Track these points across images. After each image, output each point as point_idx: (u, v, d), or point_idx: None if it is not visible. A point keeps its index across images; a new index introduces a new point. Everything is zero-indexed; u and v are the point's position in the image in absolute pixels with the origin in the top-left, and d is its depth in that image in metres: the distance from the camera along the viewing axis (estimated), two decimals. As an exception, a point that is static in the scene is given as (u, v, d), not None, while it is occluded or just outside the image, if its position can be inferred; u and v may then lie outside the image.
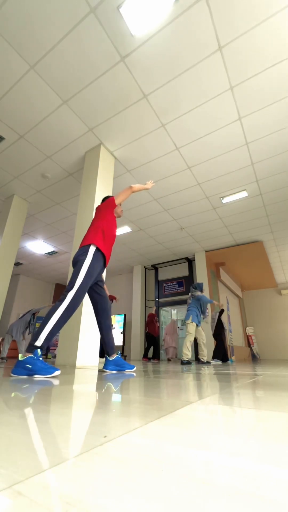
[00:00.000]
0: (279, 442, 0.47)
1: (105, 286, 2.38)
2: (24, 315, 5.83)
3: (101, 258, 2.08)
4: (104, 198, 2.48)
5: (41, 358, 1.67)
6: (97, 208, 2.31)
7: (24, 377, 1.58)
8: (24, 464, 0.36)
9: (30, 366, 1.61)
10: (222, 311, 5.82)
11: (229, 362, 5.69)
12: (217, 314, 5.80)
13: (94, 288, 2.22)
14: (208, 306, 6.99)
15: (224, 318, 6.02)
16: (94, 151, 4.02)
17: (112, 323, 2.38)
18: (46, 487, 0.30)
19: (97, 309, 2.25)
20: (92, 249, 2.02)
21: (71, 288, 1.87)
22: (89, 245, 2.03)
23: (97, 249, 2.05)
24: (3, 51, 2.78)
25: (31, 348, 1.69)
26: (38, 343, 1.68)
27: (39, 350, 1.68)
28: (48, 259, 8.58)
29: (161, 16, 2.47)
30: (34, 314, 5.84)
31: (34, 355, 1.66)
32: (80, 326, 2.93)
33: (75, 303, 1.85)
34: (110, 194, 3.93)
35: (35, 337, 1.71)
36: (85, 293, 1.94)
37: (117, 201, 2.30)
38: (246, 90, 3.14)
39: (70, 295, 1.84)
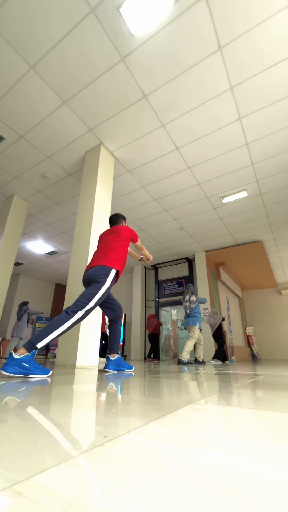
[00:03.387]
0: (279, 442, 0.47)
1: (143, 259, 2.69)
2: (22, 315, 5.93)
3: (115, 279, 2.16)
4: (119, 215, 2.53)
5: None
6: (121, 232, 2.29)
7: (19, 376, 1.56)
8: (24, 464, 0.36)
9: (27, 365, 1.60)
10: (223, 319, 5.92)
11: (229, 362, 5.78)
12: (219, 321, 5.85)
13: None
14: (208, 302, 7.06)
15: (224, 320, 6.10)
16: (94, 151, 4.02)
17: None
18: (46, 487, 0.30)
19: (112, 310, 2.37)
20: (112, 273, 2.08)
21: (85, 305, 1.89)
22: (111, 268, 2.08)
23: (116, 273, 2.13)
24: (3, 51, 2.78)
25: (31, 347, 1.67)
26: (39, 345, 1.68)
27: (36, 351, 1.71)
28: (48, 259, 8.58)
29: (161, 16, 2.47)
30: (29, 313, 6.01)
31: (32, 355, 1.67)
32: (80, 326, 2.93)
33: (84, 318, 1.90)
34: (110, 196, 3.94)
35: (38, 338, 1.69)
36: (93, 310, 2.01)
37: (137, 242, 2.43)
38: (246, 90, 3.14)
39: (82, 312, 1.87)
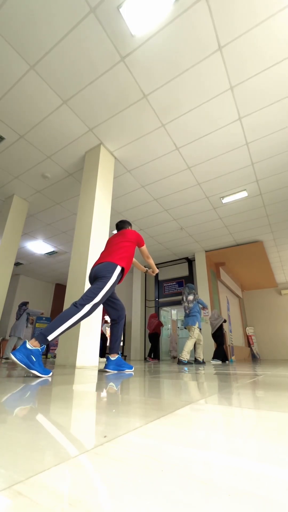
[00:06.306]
0: (279, 442, 0.47)
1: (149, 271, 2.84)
2: (21, 315, 5.95)
3: (120, 278, 2.23)
4: (125, 221, 2.69)
5: None
6: (127, 234, 2.41)
7: (22, 365, 1.57)
8: (24, 464, 0.36)
9: (34, 359, 1.63)
10: (225, 321, 5.92)
11: (229, 362, 5.79)
12: (220, 322, 5.86)
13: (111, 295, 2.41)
14: (208, 305, 7.08)
15: (225, 321, 6.10)
16: (94, 151, 4.02)
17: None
18: (46, 487, 0.30)
19: (115, 309, 2.42)
20: (118, 270, 2.16)
21: (92, 299, 1.96)
22: (116, 265, 2.15)
23: (121, 271, 2.20)
24: (3, 51, 2.78)
25: (42, 338, 1.70)
26: (50, 337, 1.73)
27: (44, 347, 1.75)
28: (48, 259, 8.58)
29: (161, 16, 2.47)
30: (28, 313, 6.03)
31: (41, 350, 1.70)
32: (80, 326, 2.93)
33: (91, 313, 1.95)
34: (110, 196, 3.94)
35: (49, 330, 1.73)
36: (100, 305, 2.06)
37: (143, 247, 2.52)
38: (246, 90, 3.14)
39: (89, 305, 1.94)
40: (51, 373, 1.68)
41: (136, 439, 0.47)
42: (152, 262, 2.65)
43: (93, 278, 2.18)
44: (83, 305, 1.90)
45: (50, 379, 1.52)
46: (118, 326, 2.41)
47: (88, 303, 1.92)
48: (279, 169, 4.39)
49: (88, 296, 1.96)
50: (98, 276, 2.11)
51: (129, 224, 2.71)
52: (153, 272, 2.79)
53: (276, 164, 4.30)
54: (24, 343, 1.65)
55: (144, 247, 2.52)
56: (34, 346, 1.66)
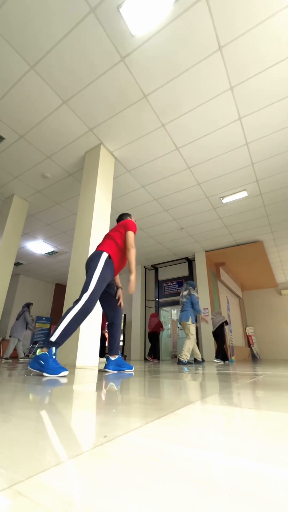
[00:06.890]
0: (279, 442, 0.47)
1: (120, 292, 2.45)
2: (20, 316, 5.98)
3: (112, 265, 2.18)
4: (123, 213, 2.67)
5: (54, 357, 1.73)
6: (119, 225, 2.42)
7: (36, 371, 1.71)
8: (24, 464, 0.36)
9: (42, 363, 1.68)
10: (226, 322, 5.89)
11: (229, 361, 5.80)
12: (221, 321, 5.85)
13: (106, 290, 2.36)
14: (209, 308, 7.06)
15: (227, 324, 6.08)
16: (94, 151, 4.02)
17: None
18: (46, 487, 0.30)
19: (109, 308, 2.39)
20: (104, 256, 2.14)
21: (86, 290, 1.97)
22: (101, 252, 2.16)
23: (109, 257, 2.17)
24: (3, 51, 2.78)
25: (47, 343, 1.77)
26: (53, 338, 1.75)
27: (53, 349, 1.75)
28: (48, 259, 8.58)
29: (161, 16, 2.47)
30: (25, 317, 6.04)
31: (48, 353, 1.72)
32: (80, 326, 2.93)
33: (90, 304, 1.93)
34: (110, 196, 3.94)
35: (52, 332, 1.79)
36: (98, 296, 2.02)
37: (129, 232, 2.30)
38: (246, 90, 3.14)
39: (86, 297, 1.93)
40: (62, 373, 1.68)
41: (136, 439, 0.47)
42: (132, 258, 2.20)
43: (86, 270, 2.22)
44: (80, 297, 1.93)
45: (57, 379, 1.51)
46: (116, 327, 2.40)
47: (84, 293, 1.94)
48: (279, 169, 4.39)
49: (83, 287, 1.99)
50: (87, 268, 2.15)
51: (128, 215, 2.65)
52: (131, 275, 2.20)
53: (276, 164, 4.30)
54: (36, 354, 1.76)
55: (129, 232, 2.27)
56: (43, 351, 1.74)
